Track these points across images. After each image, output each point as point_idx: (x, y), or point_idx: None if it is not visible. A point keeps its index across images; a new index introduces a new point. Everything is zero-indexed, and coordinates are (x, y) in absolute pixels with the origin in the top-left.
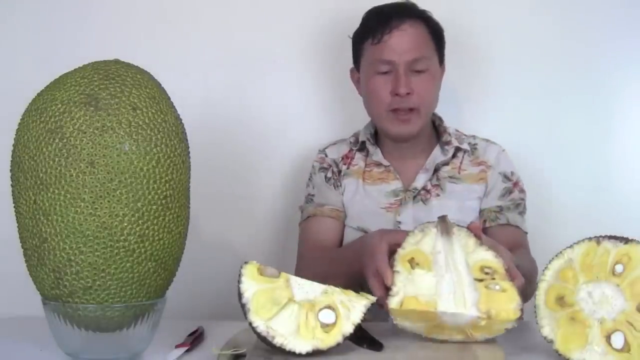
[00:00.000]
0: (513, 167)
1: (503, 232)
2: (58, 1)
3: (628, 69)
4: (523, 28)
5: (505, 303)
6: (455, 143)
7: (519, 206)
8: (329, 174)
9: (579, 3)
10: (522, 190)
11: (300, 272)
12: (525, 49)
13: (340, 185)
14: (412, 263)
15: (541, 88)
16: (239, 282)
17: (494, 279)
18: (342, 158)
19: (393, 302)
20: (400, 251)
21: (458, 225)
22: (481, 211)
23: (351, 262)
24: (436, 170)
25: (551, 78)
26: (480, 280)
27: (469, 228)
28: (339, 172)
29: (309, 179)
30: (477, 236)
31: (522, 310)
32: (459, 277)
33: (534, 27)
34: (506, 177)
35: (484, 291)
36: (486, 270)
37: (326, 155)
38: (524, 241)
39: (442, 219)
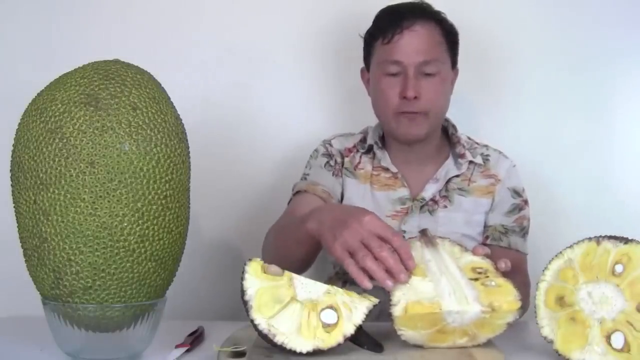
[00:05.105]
0: (522, 184)
1: (502, 254)
2: (58, 1)
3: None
4: (522, 28)
5: (504, 295)
6: (469, 157)
7: (524, 229)
8: (332, 162)
9: (579, 3)
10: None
11: (263, 254)
12: (525, 49)
13: (341, 177)
14: None
15: (540, 88)
16: (242, 278)
17: (487, 276)
18: (345, 150)
19: (397, 310)
20: None
21: (440, 237)
22: (487, 226)
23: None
24: (447, 181)
25: (550, 78)
26: (475, 280)
27: (474, 253)
28: (342, 164)
29: (308, 161)
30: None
31: (522, 300)
32: (455, 279)
33: (534, 27)
34: (516, 193)
35: (482, 288)
36: (478, 270)
37: (331, 145)
38: (521, 264)
39: (423, 232)
